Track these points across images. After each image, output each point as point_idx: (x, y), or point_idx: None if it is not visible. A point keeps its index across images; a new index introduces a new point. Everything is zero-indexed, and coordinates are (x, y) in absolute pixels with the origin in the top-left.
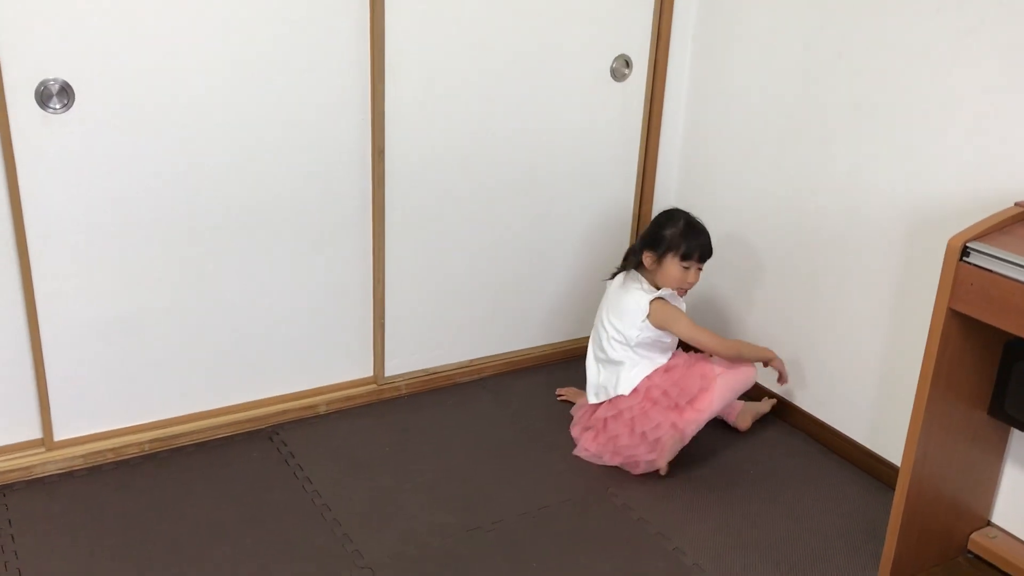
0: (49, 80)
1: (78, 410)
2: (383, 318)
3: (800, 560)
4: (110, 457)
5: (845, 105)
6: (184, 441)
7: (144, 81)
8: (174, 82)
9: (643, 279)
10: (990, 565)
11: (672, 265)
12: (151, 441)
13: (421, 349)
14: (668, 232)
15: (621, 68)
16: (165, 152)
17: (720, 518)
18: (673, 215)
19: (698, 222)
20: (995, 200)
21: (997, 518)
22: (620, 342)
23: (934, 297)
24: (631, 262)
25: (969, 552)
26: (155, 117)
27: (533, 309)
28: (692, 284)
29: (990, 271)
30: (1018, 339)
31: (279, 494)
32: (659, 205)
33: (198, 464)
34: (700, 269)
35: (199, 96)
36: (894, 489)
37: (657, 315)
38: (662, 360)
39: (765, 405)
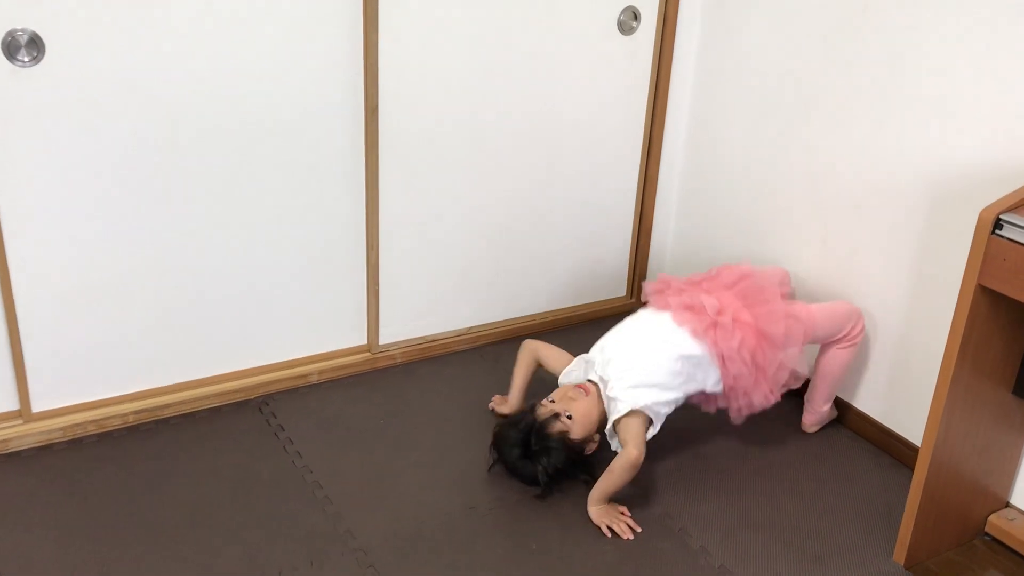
0: (17, 31)
1: (58, 380)
2: (377, 284)
3: (811, 542)
4: (92, 429)
5: (868, 63)
6: (170, 412)
7: (120, 33)
8: (153, 34)
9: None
10: (1007, 548)
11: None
12: (135, 412)
13: (417, 316)
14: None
15: (629, 20)
16: (144, 108)
17: (728, 498)
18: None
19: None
20: None
21: (1016, 499)
22: None
23: (957, 271)
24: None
25: (986, 534)
26: (132, 71)
27: (533, 275)
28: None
29: None
30: None
31: (267, 469)
32: (666, 166)
33: (184, 436)
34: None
35: (179, 49)
36: (909, 467)
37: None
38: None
39: (833, 411)
